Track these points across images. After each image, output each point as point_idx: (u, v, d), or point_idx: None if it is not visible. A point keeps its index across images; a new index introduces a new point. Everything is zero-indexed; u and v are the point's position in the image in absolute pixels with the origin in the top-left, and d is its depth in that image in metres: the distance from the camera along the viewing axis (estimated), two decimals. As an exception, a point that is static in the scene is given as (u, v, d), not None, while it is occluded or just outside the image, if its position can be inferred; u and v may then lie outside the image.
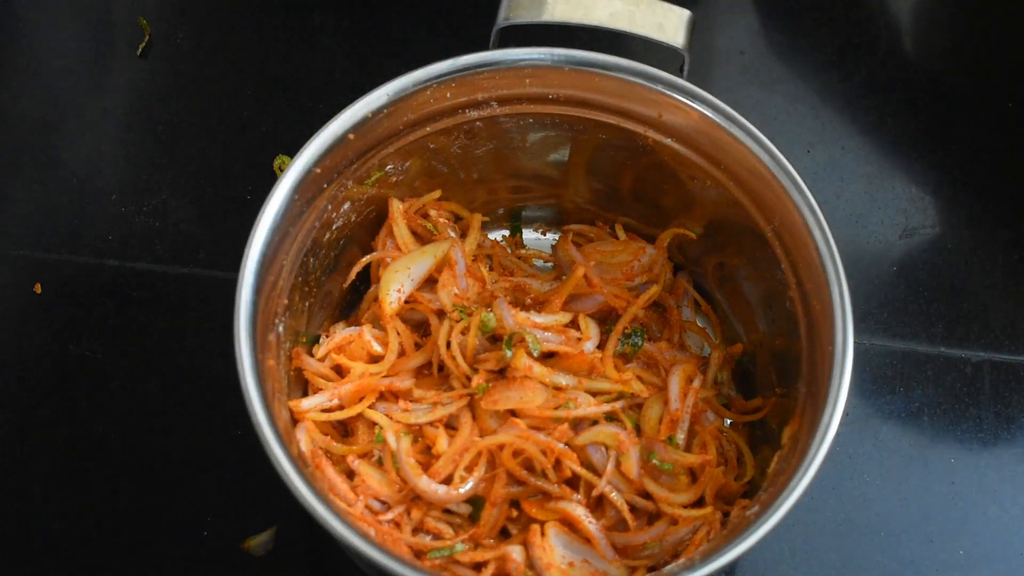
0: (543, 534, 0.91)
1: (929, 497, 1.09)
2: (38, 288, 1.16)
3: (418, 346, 1.00)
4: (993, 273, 1.19)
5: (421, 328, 1.02)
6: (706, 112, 0.95)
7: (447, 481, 0.92)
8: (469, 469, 0.92)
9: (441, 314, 1.00)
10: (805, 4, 1.34)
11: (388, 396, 0.98)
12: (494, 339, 0.97)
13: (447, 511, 0.93)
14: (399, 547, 0.90)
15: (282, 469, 0.82)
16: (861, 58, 1.31)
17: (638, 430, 0.96)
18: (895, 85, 1.29)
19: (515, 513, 0.94)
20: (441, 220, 1.07)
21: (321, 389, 0.97)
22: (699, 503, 0.95)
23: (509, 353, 0.94)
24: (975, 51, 1.32)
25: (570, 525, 0.93)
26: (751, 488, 0.97)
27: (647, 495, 0.94)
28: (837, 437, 0.84)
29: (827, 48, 1.31)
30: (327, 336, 1.02)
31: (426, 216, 1.06)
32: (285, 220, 0.92)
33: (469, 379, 0.96)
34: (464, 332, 0.96)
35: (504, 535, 0.94)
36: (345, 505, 0.91)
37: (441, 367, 0.98)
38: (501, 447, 0.92)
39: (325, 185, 0.95)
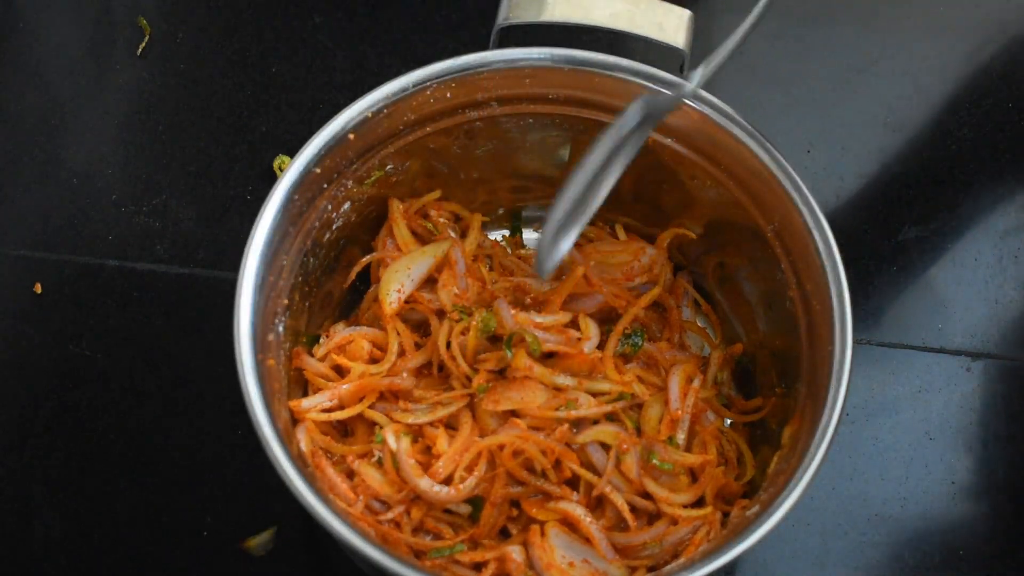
0: (543, 534, 0.91)
1: (929, 497, 1.09)
2: (38, 288, 1.17)
3: (418, 346, 1.00)
4: (993, 273, 1.19)
5: (421, 328, 1.02)
6: (706, 112, 0.95)
7: (447, 481, 0.92)
8: (469, 469, 0.92)
9: (441, 314, 1.00)
10: (806, 3, 1.34)
11: (388, 396, 0.98)
12: (494, 339, 0.97)
13: (447, 511, 0.93)
14: (399, 547, 0.90)
15: (282, 469, 0.82)
16: (862, 58, 1.31)
17: (638, 430, 0.96)
18: (896, 84, 1.29)
19: (515, 513, 0.94)
20: (441, 220, 1.07)
21: (321, 389, 0.97)
22: (699, 503, 0.95)
23: (509, 353, 0.94)
24: (974, 51, 1.32)
25: (570, 525, 0.93)
26: (751, 488, 0.97)
27: (647, 495, 0.94)
28: (837, 437, 0.84)
29: (827, 48, 1.31)
30: (327, 336, 1.02)
31: (426, 216, 1.06)
32: (285, 220, 0.92)
33: (469, 379, 0.96)
34: (464, 332, 0.96)
35: (504, 535, 0.94)
36: (345, 505, 0.91)
37: (441, 367, 0.98)
38: (501, 447, 0.92)
39: (325, 185, 0.95)
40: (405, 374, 0.99)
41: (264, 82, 1.28)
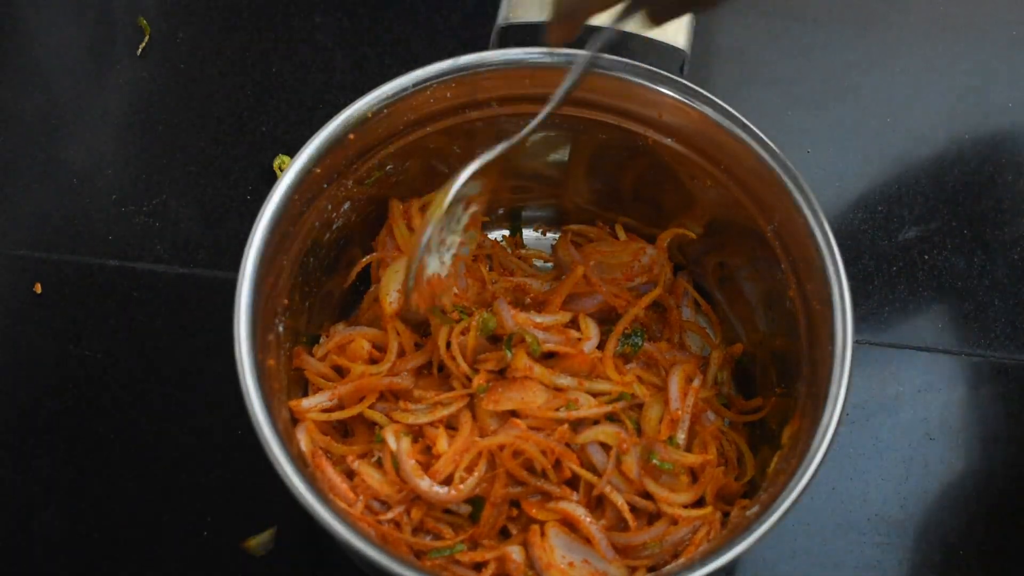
0: (543, 534, 0.91)
1: (929, 497, 1.09)
2: (38, 288, 1.16)
3: (418, 346, 1.00)
4: (993, 273, 1.19)
5: (421, 328, 1.02)
6: (706, 112, 0.95)
7: (447, 481, 0.92)
8: (469, 469, 0.92)
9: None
10: (806, 3, 1.34)
11: (388, 396, 0.98)
12: (494, 339, 0.97)
13: (447, 511, 0.93)
14: (399, 547, 0.90)
15: (282, 469, 0.82)
16: (862, 58, 1.31)
17: (638, 430, 0.96)
18: (896, 84, 1.29)
19: (515, 513, 0.94)
20: (441, 220, 1.07)
21: (321, 389, 0.97)
22: (699, 503, 0.95)
23: (509, 353, 0.94)
24: (974, 51, 1.32)
25: (570, 525, 0.93)
26: (751, 488, 0.97)
27: (647, 495, 0.94)
28: (837, 437, 0.84)
29: (827, 48, 1.31)
30: (327, 336, 1.02)
31: (426, 216, 1.06)
32: (285, 220, 0.92)
33: (469, 379, 0.96)
34: (464, 332, 0.96)
35: (504, 535, 0.94)
36: (345, 505, 0.91)
37: (441, 367, 0.98)
38: (501, 447, 0.92)
39: (325, 185, 0.95)
40: (405, 374, 0.98)
41: (264, 82, 1.28)
